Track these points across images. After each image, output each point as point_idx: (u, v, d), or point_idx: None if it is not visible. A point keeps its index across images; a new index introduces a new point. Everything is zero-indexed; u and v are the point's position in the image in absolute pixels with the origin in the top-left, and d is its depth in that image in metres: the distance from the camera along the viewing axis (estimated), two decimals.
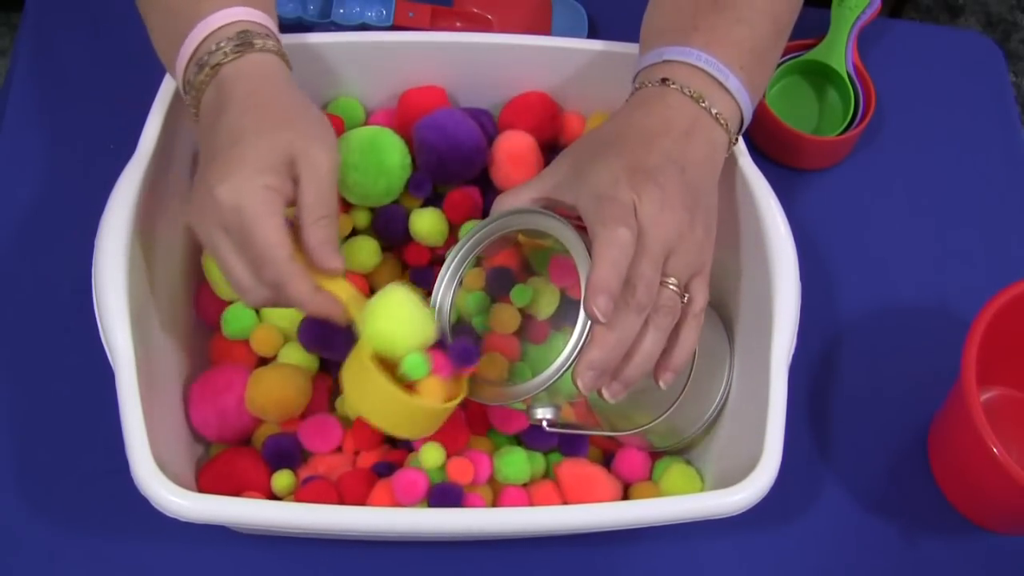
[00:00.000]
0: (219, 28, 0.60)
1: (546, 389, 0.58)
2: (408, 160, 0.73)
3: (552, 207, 0.61)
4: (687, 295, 0.60)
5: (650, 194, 0.57)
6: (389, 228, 0.74)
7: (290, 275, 0.57)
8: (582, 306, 0.56)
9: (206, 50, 0.60)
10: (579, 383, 0.56)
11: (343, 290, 0.60)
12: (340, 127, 0.75)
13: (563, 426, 0.65)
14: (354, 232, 0.75)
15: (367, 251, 0.72)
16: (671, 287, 0.58)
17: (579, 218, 0.59)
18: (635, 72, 0.67)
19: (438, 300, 0.64)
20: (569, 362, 0.57)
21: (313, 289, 0.58)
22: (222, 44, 0.59)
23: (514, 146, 0.74)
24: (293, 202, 0.58)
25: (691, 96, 0.62)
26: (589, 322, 0.56)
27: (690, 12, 0.65)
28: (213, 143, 0.58)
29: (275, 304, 0.59)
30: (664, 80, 0.63)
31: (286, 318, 0.71)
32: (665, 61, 0.64)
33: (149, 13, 0.65)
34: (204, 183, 0.57)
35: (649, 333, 0.58)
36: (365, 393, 0.59)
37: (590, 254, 0.56)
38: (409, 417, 0.60)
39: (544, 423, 0.62)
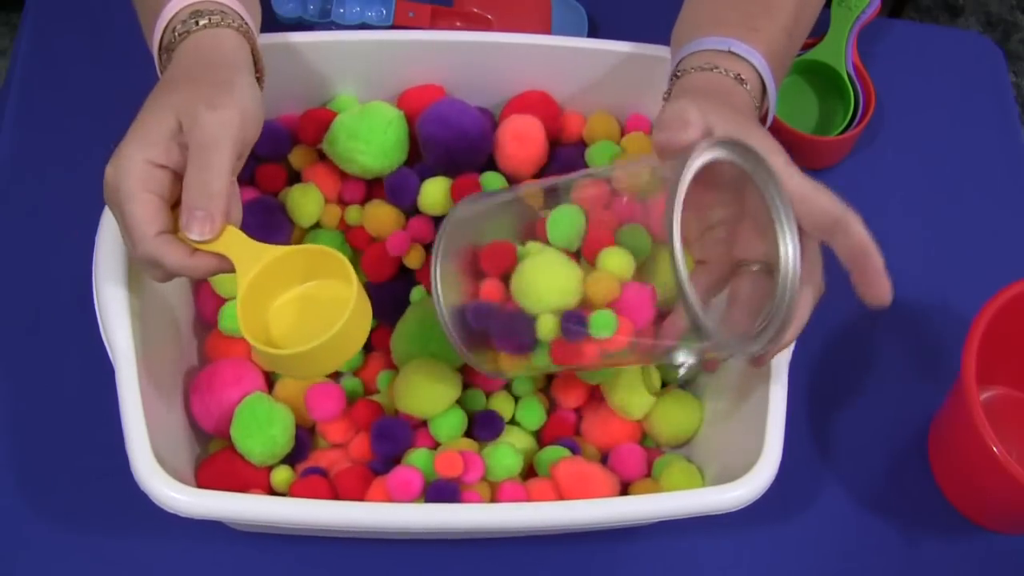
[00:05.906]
0: (175, 14, 0.60)
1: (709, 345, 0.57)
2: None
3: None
4: None
5: None
6: (399, 196, 0.74)
7: (161, 253, 0.55)
8: (775, 282, 0.58)
9: (168, 39, 0.60)
10: (769, 358, 0.62)
11: (224, 242, 0.56)
12: None
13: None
14: (370, 196, 0.76)
15: (383, 219, 0.73)
16: None
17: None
18: (686, 50, 0.65)
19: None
20: (771, 334, 0.57)
21: (187, 257, 0.55)
22: (176, 27, 0.59)
23: (519, 126, 0.75)
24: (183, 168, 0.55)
25: (753, 99, 0.63)
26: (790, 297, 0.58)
27: (747, 11, 0.66)
28: None
29: (168, 278, 0.58)
30: (739, 77, 0.63)
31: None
32: (731, 52, 0.63)
33: (138, 12, 0.65)
34: None
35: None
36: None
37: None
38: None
39: (684, 367, 0.60)
